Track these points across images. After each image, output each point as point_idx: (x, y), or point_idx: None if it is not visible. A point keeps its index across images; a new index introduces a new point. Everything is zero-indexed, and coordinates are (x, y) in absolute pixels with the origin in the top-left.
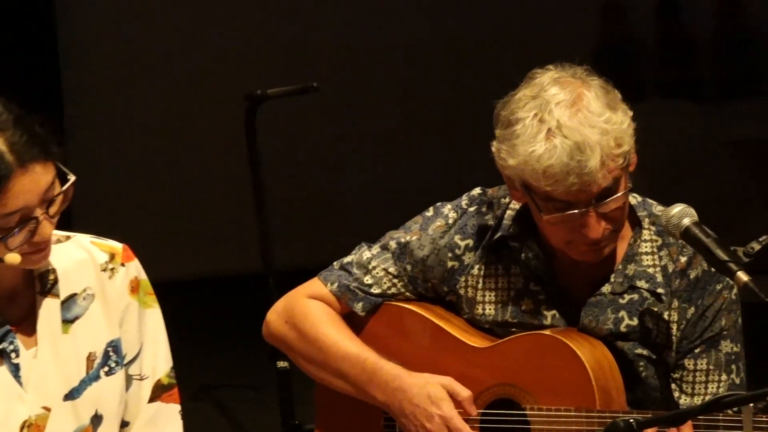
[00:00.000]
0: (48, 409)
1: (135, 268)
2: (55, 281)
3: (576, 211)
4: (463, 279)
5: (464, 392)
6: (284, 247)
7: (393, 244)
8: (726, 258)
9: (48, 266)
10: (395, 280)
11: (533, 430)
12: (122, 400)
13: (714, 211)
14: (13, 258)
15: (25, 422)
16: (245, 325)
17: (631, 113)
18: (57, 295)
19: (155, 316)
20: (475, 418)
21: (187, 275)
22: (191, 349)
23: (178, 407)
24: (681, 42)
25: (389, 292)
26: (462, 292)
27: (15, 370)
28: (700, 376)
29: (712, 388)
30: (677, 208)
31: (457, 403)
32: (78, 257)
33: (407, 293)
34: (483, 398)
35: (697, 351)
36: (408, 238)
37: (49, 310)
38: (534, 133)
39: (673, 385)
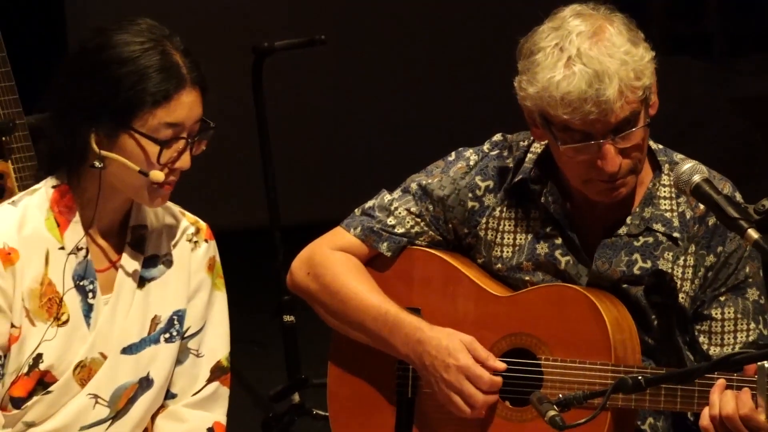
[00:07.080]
0: (104, 357)
1: (214, 248)
2: (143, 238)
3: (593, 142)
4: (483, 220)
5: (483, 353)
6: (291, 201)
7: (414, 186)
8: (737, 215)
9: (142, 221)
10: (418, 219)
11: (546, 380)
12: (171, 370)
13: (721, 169)
14: (157, 176)
15: (80, 363)
16: (251, 280)
17: (653, 52)
18: (142, 252)
19: (222, 299)
20: (490, 366)
21: None
22: None
23: (228, 391)
24: None
25: (413, 230)
26: (482, 234)
27: (87, 310)
28: (728, 325)
29: (742, 337)
30: (687, 165)
31: (479, 361)
32: (167, 222)
33: (431, 232)
34: (499, 346)
35: (722, 299)
36: (429, 180)
37: (131, 263)
38: (554, 61)
39: (702, 338)
